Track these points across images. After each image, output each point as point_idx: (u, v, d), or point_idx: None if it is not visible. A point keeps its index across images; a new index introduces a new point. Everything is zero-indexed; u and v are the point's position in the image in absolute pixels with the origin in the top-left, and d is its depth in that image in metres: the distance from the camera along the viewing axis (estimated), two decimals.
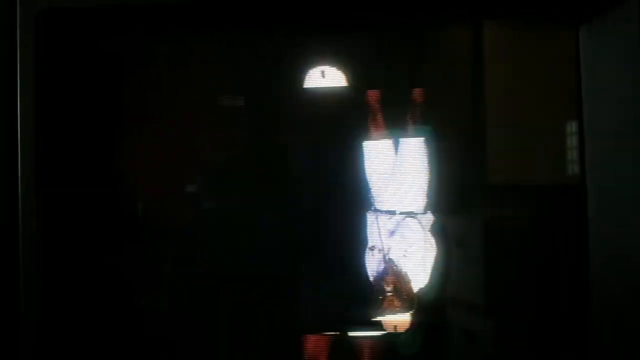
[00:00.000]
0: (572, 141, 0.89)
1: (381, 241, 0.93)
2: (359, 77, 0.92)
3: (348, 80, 0.91)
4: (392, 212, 0.94)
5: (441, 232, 0.92)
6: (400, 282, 0.91)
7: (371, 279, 0.93)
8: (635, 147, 0.78)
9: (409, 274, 0.91)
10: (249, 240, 0.91)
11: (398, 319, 0.90)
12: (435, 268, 0.91)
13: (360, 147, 0.93)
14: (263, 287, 0.91)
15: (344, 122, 0.92)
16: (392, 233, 0.94)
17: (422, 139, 0.91)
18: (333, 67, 0.92)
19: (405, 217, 0.93)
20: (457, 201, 0.92)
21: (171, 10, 0.81)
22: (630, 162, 0.79)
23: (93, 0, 0.80)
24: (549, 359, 0.90)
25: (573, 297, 0.87)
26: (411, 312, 0.90)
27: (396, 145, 0.92)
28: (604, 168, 0.83)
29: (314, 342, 0.91)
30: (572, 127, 0.89)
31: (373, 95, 0.92)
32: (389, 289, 0.90)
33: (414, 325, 0.91)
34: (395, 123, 0.92)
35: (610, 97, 0.81)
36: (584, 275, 0.83)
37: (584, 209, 0.84)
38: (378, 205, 0.94)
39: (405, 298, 0.90)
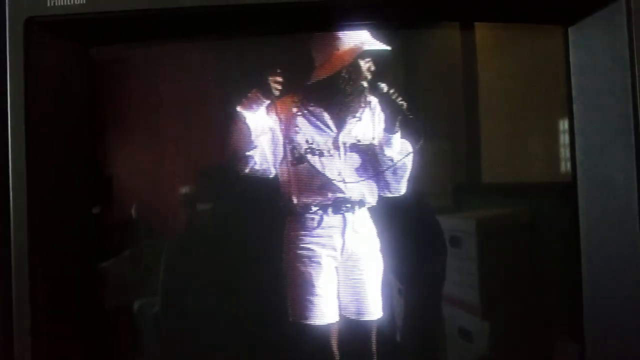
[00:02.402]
0: (565, 139, 0.89)
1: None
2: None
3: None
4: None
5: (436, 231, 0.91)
6: None
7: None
8: (624, 145, 0.79)
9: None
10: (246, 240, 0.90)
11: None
12: (429, 267, 0.91)
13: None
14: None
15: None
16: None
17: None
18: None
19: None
20: (451, 201, 0.91)
21: (162, 17, 0.81)
22: (620, 160, 0.80)
23: (82, 7, 0.80)
24: (544, 357, 0.91)
25: (567, 295, 0.87)
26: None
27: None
28: (594, 166, 0.83)
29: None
30: (563, 125, 0.89)
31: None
32: None
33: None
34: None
35: (599, 96, 0.82)
36: (577, 273, 0.84)
37: (576, 206, 0.85)
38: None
39: None
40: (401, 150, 0.87)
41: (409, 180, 0.88)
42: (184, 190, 0.92)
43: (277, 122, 0.88)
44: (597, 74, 0.82)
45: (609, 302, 0.81)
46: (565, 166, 0.89)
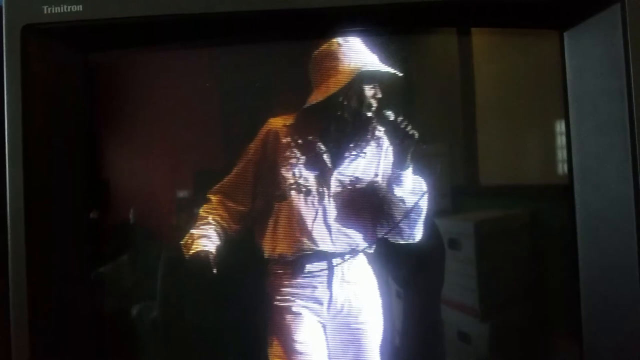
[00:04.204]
0: (561, 141, 0.90)
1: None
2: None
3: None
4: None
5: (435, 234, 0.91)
6: None
7: None
8: (620, 148, 0.79)
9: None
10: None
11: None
12: (429, 270, 0.90)
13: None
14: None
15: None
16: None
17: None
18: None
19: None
20: (449, 203, 0.91)
21: (158, 24, 0.81)
22: (616, 162, 0.80)
23: (79, 14, 0.80)
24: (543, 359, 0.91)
25: (565, 297, 0.88)
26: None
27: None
28: (590, 168, 0.84)
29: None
30: (560, 128, 0.89)
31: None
32: None
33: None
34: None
35: (595, 100, 0.82)
36: (575, 275, 0.85)
37: (573, 208, 0.86)
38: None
39: None
40: (413, 190, 0.76)
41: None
42: (181, 195, 0.92)
43: (264, 148, 0.77)
44: (592, 78, 0.82)
45: (607, 304, 0.81)
46: (562, 168, 0.90)
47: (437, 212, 0.88)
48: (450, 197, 0.90)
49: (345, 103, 0.74)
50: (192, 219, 0.92)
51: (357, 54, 0.74)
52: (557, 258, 0.89)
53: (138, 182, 0.93)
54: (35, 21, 0.81)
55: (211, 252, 0.76)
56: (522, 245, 0.91)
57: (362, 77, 0.73)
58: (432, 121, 0.90)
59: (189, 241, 0.78)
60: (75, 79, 0.88)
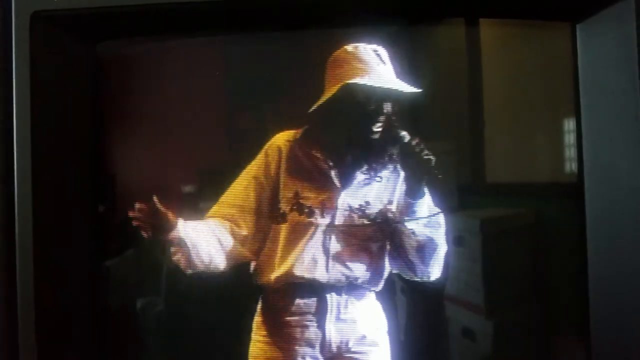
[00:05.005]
0: (570, 139, 0.89)
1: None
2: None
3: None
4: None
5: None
6: None
7: None
8: (632, 143, 0.78)
9: None
10: None
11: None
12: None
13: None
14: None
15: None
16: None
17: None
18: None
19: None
20: (456, 200, 0.90)
21: (167, 12, 0.81)
22: (628, 158, 0.79)
23: (88, 1, 0.80)
24: (548, 357, 0.90)
25: (572, 295, 0.87)
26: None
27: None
28: (602, 164, 0.83)
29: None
30: (569, 125, 0.88)
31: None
32: None
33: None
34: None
35: (607, 94, 0.82)
36: (582, 273, 0.84)
37: (582, 207, 0.84)
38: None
39: None
40: (429, 223, 0.69)
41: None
42: (187, 189, 0.91)
43: (267, 165, 0.70)
44: (605, 71, 0.81)
45: (616, 302, 0.80)
46: (570, 166, 0.89)
47: (443, 209, 0.86)
48: (457, 195, 0.88)
49: (353, 115, 0.67)
50: (197, 215, 0.92)
51: (366, 62, 0.69)
52: (564, 257, 0.88)
53: (144, 176, 0.93)
54: (45, 8, 0.81)
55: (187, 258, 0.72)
56: (528, 244, 0.91)
57: (370, 89, 0.66)
58: (439, 117, 0.89)
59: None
60: (84, 69, 0.88)
